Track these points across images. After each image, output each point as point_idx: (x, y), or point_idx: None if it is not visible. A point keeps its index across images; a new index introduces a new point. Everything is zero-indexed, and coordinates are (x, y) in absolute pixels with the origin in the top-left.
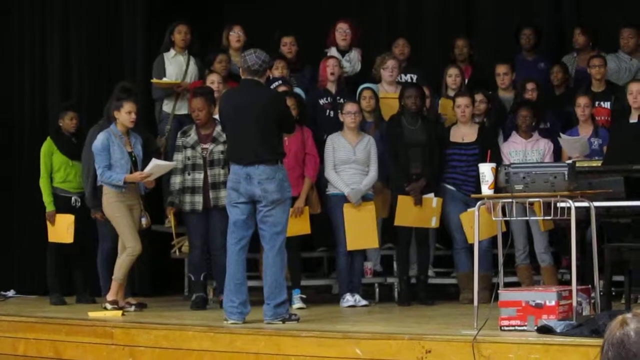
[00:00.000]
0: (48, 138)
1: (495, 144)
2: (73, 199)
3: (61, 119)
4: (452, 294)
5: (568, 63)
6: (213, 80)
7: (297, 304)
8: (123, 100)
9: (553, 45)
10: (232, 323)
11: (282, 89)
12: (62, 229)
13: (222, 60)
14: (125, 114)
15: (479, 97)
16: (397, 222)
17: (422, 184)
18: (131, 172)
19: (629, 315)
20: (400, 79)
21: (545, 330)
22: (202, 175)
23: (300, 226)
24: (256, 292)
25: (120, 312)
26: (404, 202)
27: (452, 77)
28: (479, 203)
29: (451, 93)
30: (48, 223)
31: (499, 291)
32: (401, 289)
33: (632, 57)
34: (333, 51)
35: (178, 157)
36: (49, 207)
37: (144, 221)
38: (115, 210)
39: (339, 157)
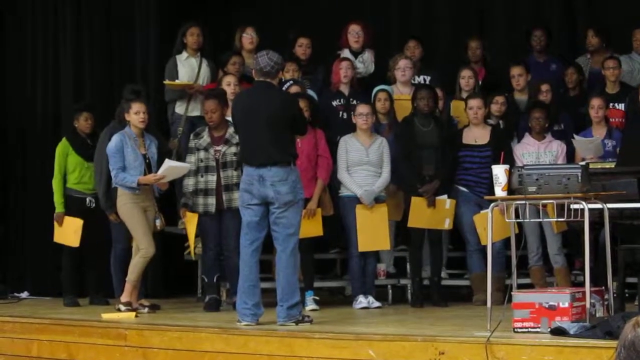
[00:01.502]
0: (64, 139)
1: (508, 146)
2: (87, 199)
3: (76, 120)
4: (465, 295)
5: (582, 65)
6: (229, 82)
7: (310, 305)
8: (131, 102)
9: (565, 47)
10: (245, 325)
11: (294, 88)
12: (69, 232)
13: (236, 62)
14: (134, 115)
15: (500, 99)
16: (411, 223)
17: (436, 186)
18: (145, 174)
19: None
20: (414, 80)
21: (558, 332)
22: (215, 177)
23: (312, 228)
24: (269, 293)
25: (133, 313)
26: (418, 204)
27: (465, 79)
28: (492, 205)
29: (464, 95)
30: (55, 223)
31: (512, 293)
32: (414, 291)
33: None
34: (346, 53)
35: (191, 159)
36: (59, 208)
37: (158, 223)
38: (130, 212)
39: (352, 158)
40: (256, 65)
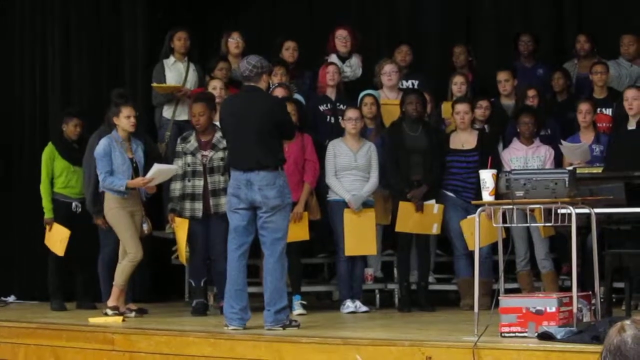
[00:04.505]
0: (50, 143)
1: (495, 151)
2: (74, 204)
3: (65, 125)
4: (453, 300)
5: (569, 69)
6: (215, 86)
7: (298, 310)
8: (121, 106)
9: (552, 52)
10: (233, 329)
11: (278, 91)
12: (55, 239)
13: (223, 67)
14: (125, 119)
15: (484, 103)
16: (398, 228)
17: (424, 191)
18: (132, 178)
19: (627, 322)
20: (402, 85)
21: (545, 336)
22: (202, 182)
23: (299, 232)
24: (257, 298)
25: (120, 318)
26: (405, 208)
27: (458, 85)
28: (479, 209)
29: None
30: (46, 227)
31: (499, 297)
32: (402, 295)
33: (633, 63)
34: (333, 58)
35: (178, 163)
36: (48, 214)
37: (145, 227)
38: (117, 216)
39: (340, 163)
40: (239, 72)
